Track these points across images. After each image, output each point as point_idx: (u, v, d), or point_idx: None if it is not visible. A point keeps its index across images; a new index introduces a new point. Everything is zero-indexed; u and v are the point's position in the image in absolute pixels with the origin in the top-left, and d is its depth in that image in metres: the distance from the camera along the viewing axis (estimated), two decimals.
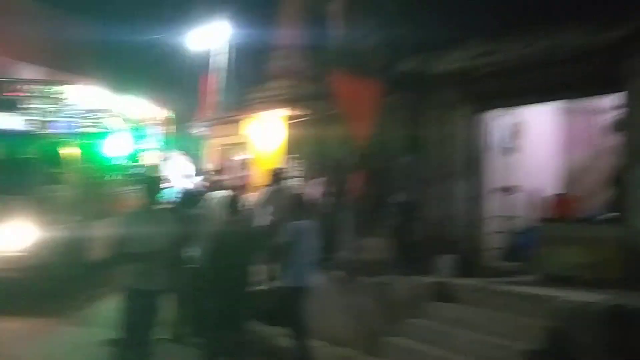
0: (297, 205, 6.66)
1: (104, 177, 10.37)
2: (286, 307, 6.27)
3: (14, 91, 9.27)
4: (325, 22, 14.69)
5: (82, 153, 9.44)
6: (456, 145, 8.80)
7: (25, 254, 7.95)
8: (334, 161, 9.86)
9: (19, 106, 9.53)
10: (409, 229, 8.39)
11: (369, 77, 11.01)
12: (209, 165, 15.89)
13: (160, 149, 12.98)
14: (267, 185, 11.07)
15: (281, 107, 14.36)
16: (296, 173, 12.82)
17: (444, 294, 7.41)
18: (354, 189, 8.59)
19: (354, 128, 9.28)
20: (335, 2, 12.63)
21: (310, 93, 15.98)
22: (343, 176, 9.54)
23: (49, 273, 8.26)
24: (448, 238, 8.37)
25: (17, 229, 7.99)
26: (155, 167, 12.65)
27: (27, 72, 15.39)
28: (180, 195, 7.96)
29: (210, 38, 18.46)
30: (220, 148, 17.63)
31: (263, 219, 9.59)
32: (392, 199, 8.49)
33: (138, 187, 5.58)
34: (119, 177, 11.08)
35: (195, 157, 23.46)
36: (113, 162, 10.77)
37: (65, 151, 8.98)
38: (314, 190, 9.87)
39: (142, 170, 12.11)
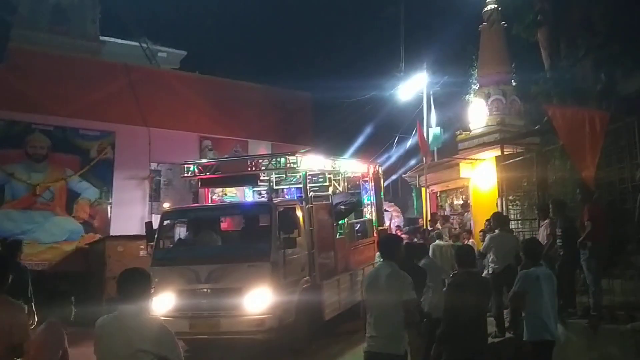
0: (529, 251, 6.27)
1: (334, 236, 10.94)
2: None
3: (252, 166, 10.26)
4: (531, 53, 14.18)
5: (311, 215, 10.01)
6: None
7: (268, 315, 8.49)
8: (558, 200, 9.23)
9: (258, 179, 10.64)
10: None
11: (588, 105, 10.29)
12: (427, 214, 16.01)
13: (376, 203, 13.44)
14: (487, 231, 10.79)
15: (491, 148, 14.02)
16: (514, 215, 12.27)
17: None
18: (589, 227, 7.91)
19: (578, 162, 8.65)
20: (540, 31, 12.11)
21: (521, 129, 15.39)
22: (571, 215, 8.88)
23: (290, 332, 8.85)
24: None
25: (259, 292, 8.58)
26: None
27: (256, 147, 17.48)
28: (407, 248, 8.08)
29: (413, 88, 18.94)
30: (435, 195, 17.68)
31: (488, 266, 9.33)
32: (637, 234, 7.61)
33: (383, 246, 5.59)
34: (349, 235, 11.69)
35: (410, 207, 23.98)
36: (340, 221, 11.36)
37: (297, 215, 9.64)
38: (540, 232, 9.32)
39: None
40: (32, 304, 7.11)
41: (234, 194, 14.00)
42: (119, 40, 24.49)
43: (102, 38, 24.58)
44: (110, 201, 14.97)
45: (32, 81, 13.95)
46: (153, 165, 15.86)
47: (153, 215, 15.16)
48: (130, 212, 15.05)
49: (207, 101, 17.04)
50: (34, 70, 14.13)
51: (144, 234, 14.04)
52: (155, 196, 15.80)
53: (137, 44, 20.97)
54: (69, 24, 23.99)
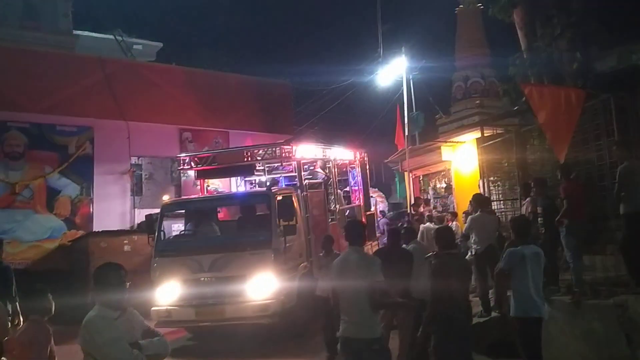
0: (517, 229, 6.31)
1: (328, 222, 11.09)
2: (516, 339, 5.97)
3: (248, 157, 10.45)
4: (507, 34, 14.22)
5: (305, 202, 10.24)
6: None
7: (271, 301, 8.75)
8: (539, 178, 9.33)
9: (254, 169, 10.83)
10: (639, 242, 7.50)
11: (564, 83, 10.37)
12: (411, 198, 16.09)
13: (363, 189, 13.51)
14: (469, 212, 10.88)
15: (471, 130, 14.10)
16: (496, 196, 12.39)
17: None
18: (567, 204, 8.01)
19: (556, 140, 8.73)
20: (516, 11, 12.15)
21: (501, 111, 15.49)
22: (550, 193, 8.98)
23: (292, 316, 9.04)
24: None
25: (263, 278, 8.85)
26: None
27: (238, 138, 17.37)
28: (392, 233, 8.14)
29: (392, 73, 18.89)
30: (417, 179, 17.77)
31: (471, 247, 9.42)
32: (616, 210, 7.70)
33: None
34: (341, 220, 11.70)
35: (393, 192, 24.08)
36: (331, 207, 11.50)
37: (293, 202, 9.69)
38: (522, 211, 9.43)
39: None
40: (17, 303, 7.05)
41: (216, 185, 13.95)
42: (93, 34, 24.08)
43: (75, 32, 24.12)
44: (91, 197, 14.81)
45: (6, 78, 13.68)
46: (133, 160, 15.71)
47: (135, 209, 15.07)
48: (112, 207, 14.93)
49: (186, 93, 16.87)
50: (7, 67, 13.85)
51: (127, 228, 14.11)
52: (136, 190, 15.67)
53: (111, 37, 20.67)
54: (40, 19, 23.51)
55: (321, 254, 8.63)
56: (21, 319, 6.53)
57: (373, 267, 4.97)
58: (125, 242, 12.63)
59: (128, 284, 3.82)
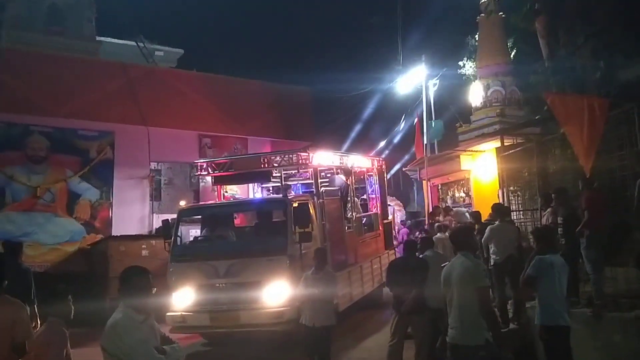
0: (543, 238, 6.23)
1: (344, 230, 11.00)
2: (535, 350, 5.88)
3: (264, 163, 10.37)
4: (529, 43, 14.11)
5: (322, 209, 10.14)
6: None
7: (286, 308, 8.64)
8: (560, 188, 9.19)
9: (270, 175, 10.85)
10: None
11: (587, 92, 10.24)
12: (430, 207, 15.95)
13: (380, 197, 13.42)
14: (488, 222, 10.74)
15: (491, 139, 13.96)
16: (515, 206, 12.22)
17: None
18: (589, 214, 7.87)
19: (578, 150, 8.60)
20: (538, 20, 12.05)
21: (521, 120, 15.34)
22: (572, 203, 8.84)
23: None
24: None
25: (278, 285, 8.78)
26: None
27: (257, 144, 17.43)
28: (409, 243, 8.07)
29: (412, 81, 18.80)
30: (436, 187, 17.64)
31: (491, 257, 9.29)
32: (639, 221, 7.55)
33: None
34: (357, 228, 11.68)
35: (412, 201, 23.93)
36: (348, 214, 11.40)
37: (309, 209, 9.65)
38: (543, 222, 9.28)
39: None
40: (35, 306, 7.10)
41: (234, 191, 13.99)
42: (116, 40, 24.46)
43: (98, 38, 24.52)
44: (110, 201, 14.96)
45: (30, 82, 13.92)
46: (153, 165, 15.84)
47: (154, 214, 15.17)
48: (131, 212, 15.06)
49: (206, 99, 16.99)
50: (32, 72, 14.10)
51: (145, 233, 14.20)
52: (155, 195, 15.79)
53: (133, 43, 20.93)
54: (65, 25, 23.96)
55: (310, 272, 7.51)
56: (38, 322, 6.58)
57: (477, 273, 4.95)
58: (143, 246, 12.72)
59: (154, 289, 3.79)
